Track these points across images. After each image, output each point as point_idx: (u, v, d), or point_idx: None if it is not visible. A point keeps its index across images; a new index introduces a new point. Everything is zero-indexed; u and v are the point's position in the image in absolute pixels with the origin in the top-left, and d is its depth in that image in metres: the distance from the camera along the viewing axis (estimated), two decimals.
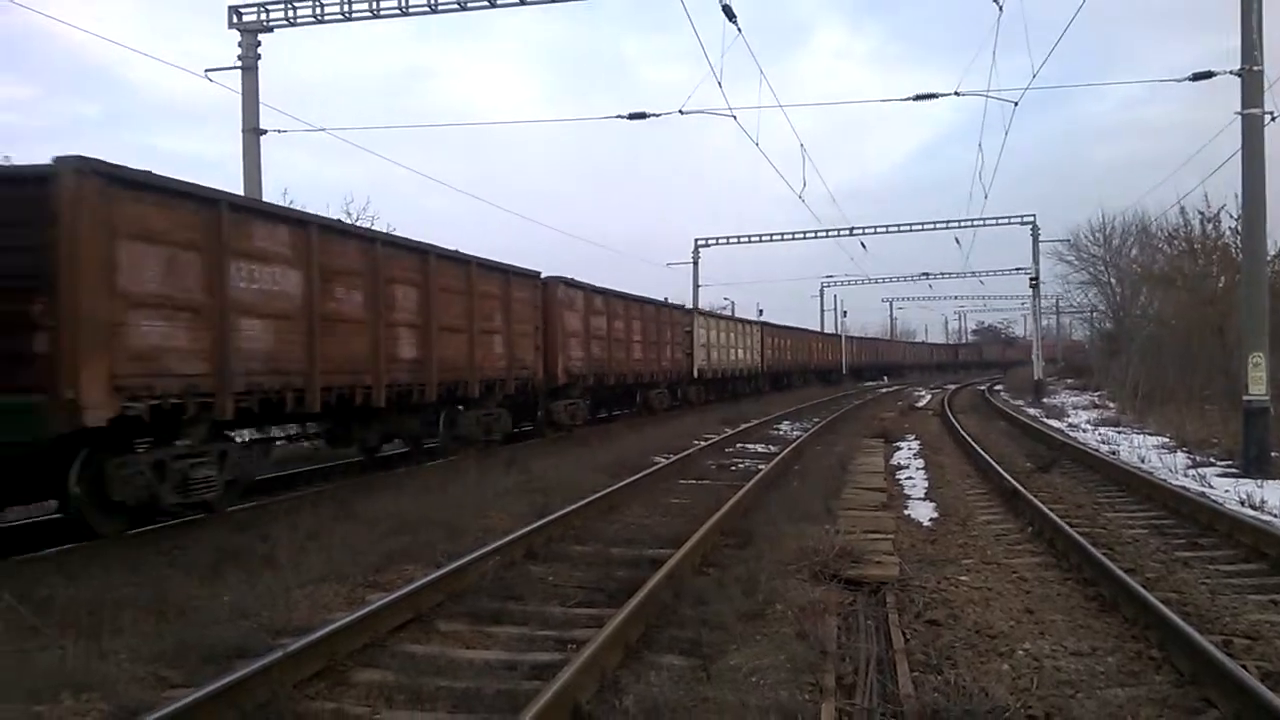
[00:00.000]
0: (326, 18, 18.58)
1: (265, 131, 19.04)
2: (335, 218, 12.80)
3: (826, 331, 65.66)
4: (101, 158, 8.59)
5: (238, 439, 11.38)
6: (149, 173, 9.26)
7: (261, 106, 18.96)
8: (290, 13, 18.69)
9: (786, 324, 51.81)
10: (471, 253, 16.20)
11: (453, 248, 15.55)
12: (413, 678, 5.39)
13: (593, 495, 11.03)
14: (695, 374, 32.23)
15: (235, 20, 18.85)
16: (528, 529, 8.94)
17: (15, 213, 8.24)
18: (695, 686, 5.19)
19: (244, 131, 18.94)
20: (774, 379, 45.87)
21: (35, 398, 8.19)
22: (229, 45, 18.89)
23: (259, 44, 18.87)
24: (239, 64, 18.79)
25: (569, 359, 20.80)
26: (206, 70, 18.59)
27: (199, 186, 9.88)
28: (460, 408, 16.06)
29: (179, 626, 6.23)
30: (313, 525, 9.43)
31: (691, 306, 36.60)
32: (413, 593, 6.67)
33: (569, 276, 21.27)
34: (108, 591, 7.09)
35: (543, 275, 19.86)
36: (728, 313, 46.21)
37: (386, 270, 13.27)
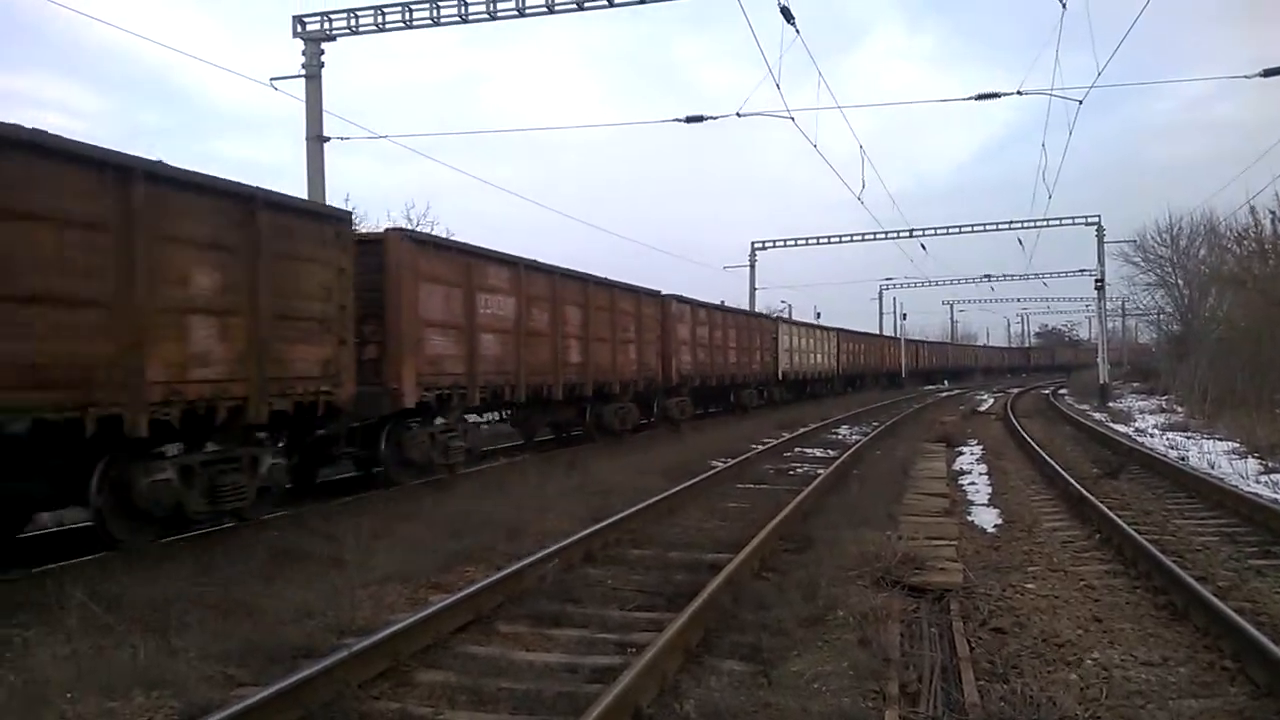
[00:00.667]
0: (388, 26, 18.81)
1: (329, 138, 19.33)
2: (532, 258, 16.38)
3: (890, 335, 65.13)
4: (411, 227, 13.81)
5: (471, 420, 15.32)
6: (433, 235, 14.88)
7: (324, 113, 19.29)
8: (353, 21, 18.95)
9: (858, 329, 51.83)
10: (616, 278, 20.07)
11: (606, 275, 19.50)
12: (475, 679, 5.43)
13: (651, 498, 11.02)
14: (780, 376, 34.53)
15: (299, 29, 19.16)
16: (586, 532, 8.97)
17: (357, 265, 11.36)
18: (756, 692, 5.16)
19: (308, 139, 19.23)
20: (848, 381, 46.32)
21: (383, 388, 12.05)
22: (294, 54, 19.25)
23: (322, 52, 19.16)
24: (303, 72, 19.11)
25: (680, 363, 24.17)
26: (271, 79, 18.93)
27: (462, 243, 14.54)
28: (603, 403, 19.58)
29: (246, 625, 6.33)
30: (376, 526, 9.56)
31: (777, 315, 39.75)
32: (474, 594, 6.73)
33: (681, 294, 24.51)
34: (177, 590, 7.24)
35: (662, 293, 23.26)
36: (808, 320, 46.59)
37: (561, 295, 17.22)
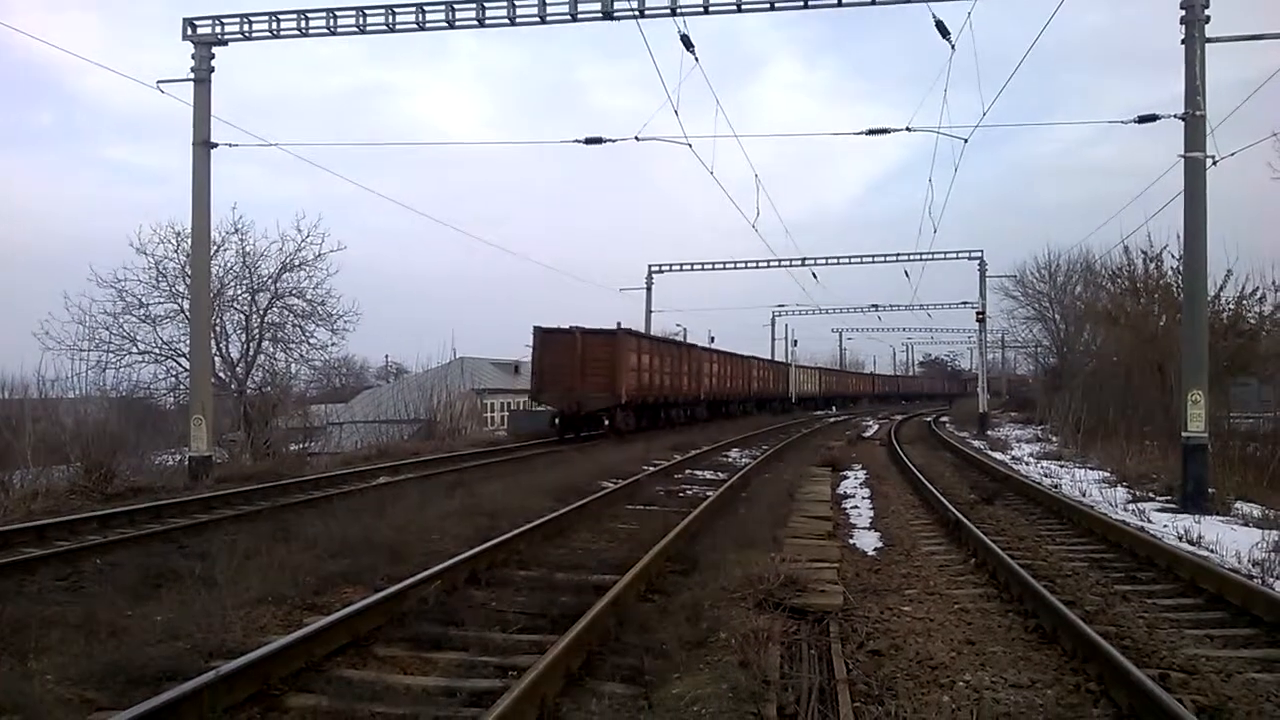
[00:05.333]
0: (283, 33, 18.38)
1: (216, 145, 18.81)
2: (673, 337, 32.64)
3: (781, 361, 66.12)
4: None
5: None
6: (633, 330, 33.06)
7: (214, 120, 18.78)
8: (246, 26, 18.49)
9: (737, 352, 52.65)
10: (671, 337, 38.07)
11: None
12: (348, 704, 5.27)
13: (545, 514, 10.93)
14: (750, 395, 49.18)
15: (190, 32, 18.64)
16: (471, 553, 8.83)
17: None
18: (636, 715, 5.15)
19: (194, 144, 18.70)
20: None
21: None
22: (184, 57, 18.71)
23: (212, 56, 18.67)
24: (191, 76, 18.58)
25: (704, 387, 39.67)
26: (158, 81, 18.33)
27: (638, 332, 34.75)
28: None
29: (109, 646, 6.09)
30: (251, 545, 9.26)
31: (751, 355, 52.37)
32: (351, 616, 6.54)
33: (702, 344, 41.36)
34: (38, 610, 6.91)
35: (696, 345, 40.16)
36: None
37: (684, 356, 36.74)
